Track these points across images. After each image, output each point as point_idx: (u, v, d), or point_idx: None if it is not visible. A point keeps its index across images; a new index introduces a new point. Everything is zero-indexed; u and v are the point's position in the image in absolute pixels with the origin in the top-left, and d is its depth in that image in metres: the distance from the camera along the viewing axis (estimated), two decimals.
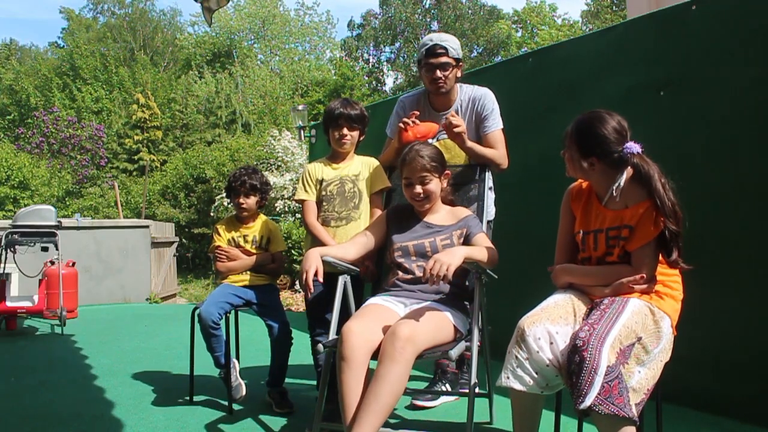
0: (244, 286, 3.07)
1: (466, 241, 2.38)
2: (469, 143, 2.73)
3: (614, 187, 1.95)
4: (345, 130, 2.76)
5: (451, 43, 2.79)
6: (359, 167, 2.81)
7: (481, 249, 2.28)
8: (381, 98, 20.82)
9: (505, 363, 1.89)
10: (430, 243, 2.37)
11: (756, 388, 2.62)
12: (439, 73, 2.77)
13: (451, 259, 2.07)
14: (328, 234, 2.71)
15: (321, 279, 2.23)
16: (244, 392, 3.01)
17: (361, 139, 2.87)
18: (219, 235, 3.14)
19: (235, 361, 3.13)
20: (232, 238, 3.14)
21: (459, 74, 2.85)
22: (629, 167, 1.95)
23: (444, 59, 2.76)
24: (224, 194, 3.65)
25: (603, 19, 19.17)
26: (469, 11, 26.94)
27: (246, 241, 3.14)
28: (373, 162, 2.84)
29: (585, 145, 1.97)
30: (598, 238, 2.00)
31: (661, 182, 1.87)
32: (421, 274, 2.30)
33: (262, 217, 3.25)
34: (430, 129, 2.71)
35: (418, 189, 2.38)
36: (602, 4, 19.91)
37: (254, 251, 3.14)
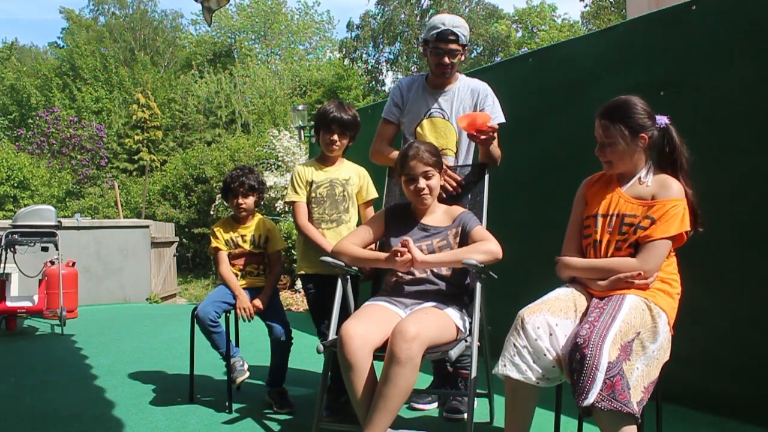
0: (243, 287, 3.05)
1: (463, 236, 2.37)
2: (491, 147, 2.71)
3: (641, 174, 2.02)
4: (335, 136, 2.77)
5: (463, 30, 2.71)
6: (350, 173, 2.85)
7: (445, 254, 2.29)
8: (381, 98, 20.81)
9: (502, 352, 1.89)
10: (427, 246, 2.36)
11: (756, 388, 2.62)
12: (447, 60, 2.73)
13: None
14: (320, 234, 2.72)
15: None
16: (246, 375, 3.01)
17: (350, 144, 2.87)
18: (216, 237, 3.13)
19: (237, 349, 3.16)
20: (231, 239, 3.14)
21: (463, 58, 2.81)
22: (652, 162, 2.04)
23: (454, 46, 2.70)
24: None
25: (603, 19, 19.14)
26: (467, 11, 26.88)
27: (244, 241, 3.13)
28: (362, 171, 2.88)
29: (631, 120, 2.00)
30: (614, 221, 2.00)
31: (685, 156, 2.03)
32: (420, 275, 2.32)
33: (258, 217, 3.24)
34: (485, 119, 2.68)
35: (422, 184, 2.37)
36: (602, 5, 19.88)
37: (254, 251, 3.14)
